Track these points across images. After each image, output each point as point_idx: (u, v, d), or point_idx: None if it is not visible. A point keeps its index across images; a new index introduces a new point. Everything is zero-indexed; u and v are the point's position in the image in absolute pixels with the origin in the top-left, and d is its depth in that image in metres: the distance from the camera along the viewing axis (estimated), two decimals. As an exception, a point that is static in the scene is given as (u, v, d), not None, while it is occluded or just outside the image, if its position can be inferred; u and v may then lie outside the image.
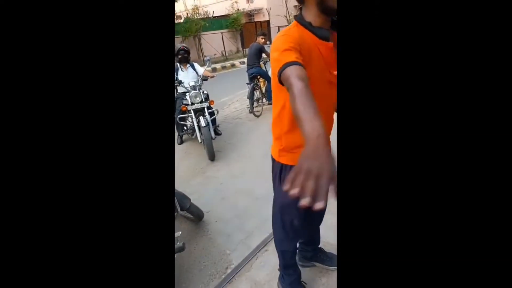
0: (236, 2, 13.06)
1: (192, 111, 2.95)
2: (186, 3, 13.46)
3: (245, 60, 5.48)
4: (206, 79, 3.33)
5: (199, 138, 2.95)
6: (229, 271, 1.49)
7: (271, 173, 1.06)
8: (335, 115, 1.02)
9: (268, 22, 14.31)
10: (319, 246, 1.44)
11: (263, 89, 4.34)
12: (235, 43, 13.35)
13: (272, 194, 1.11)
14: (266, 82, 4.33)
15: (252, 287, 1.38)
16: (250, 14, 15.11)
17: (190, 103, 2.95)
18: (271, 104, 4.41)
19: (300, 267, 1.32)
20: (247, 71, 4.16)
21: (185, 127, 3.27)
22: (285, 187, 0.40)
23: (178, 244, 1.33)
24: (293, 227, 1.07)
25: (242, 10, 13.53)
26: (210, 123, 2.94)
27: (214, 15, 13.00)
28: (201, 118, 2.85)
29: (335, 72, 0.86)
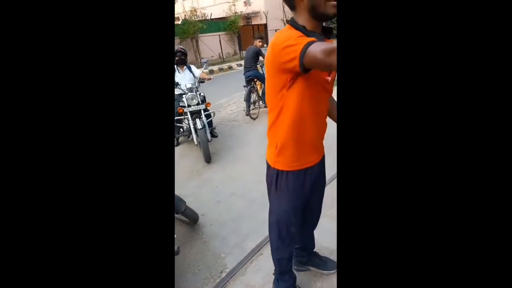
0: (234, 5, 13.10)
1: (188, 113, 2.94)
2: (184, 5, 13.48)
3: (242, 62, 5.50)
4: (203, 81, 3.33)
5: (195, 140, 2.94)
6: (223, 275, 1.48)
7: (266, 180, 1.04)
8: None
9: (265, 25, 14.37)
10: (314, 250, 1.43)
11: (260, 92, 4.35)
12: (232, 46, 13.37)
13: (267, 198, 1.09)
14: (262, 85, 4.33)
15: (247, 291, 1.37)
16: (247, 17, 15.16)
17: (186, 105, 2.94)
18: (267, 107, 4.42)
19: (295, 271, 1.32)
20: (244, 74, 4.16)
21: (181, 129, 3.26)
22: None
23: (172, 247, 1.32)
24: (290, 234, 1.06)
25: (239, 13, 13.57)
26: (207, 125, 2.94)
27: (212, 18, 13.03)
28: (197, 120, 2.84)
29: (328, 78, 0.86)
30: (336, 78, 0.72)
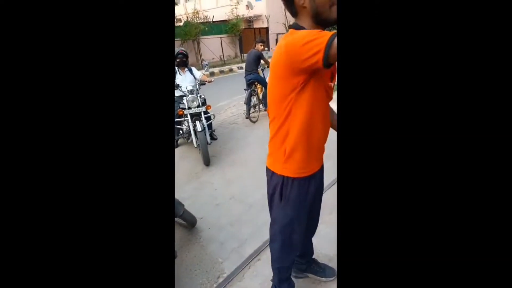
0: (236, 8, 13.16)
1: (188, 115, 2.94)
2: (186, 7, 13.52)
3: (243, 65, 5.50)
4: (204, 84, 3.33)
5: (194, 142, 2.93)
6: (220, 280, 1.46)
7: (267, 190, 1.01)
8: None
9: (267, 28, 14.44)
10: (313, 257, 1.42)
11: (260, 95, 4.35)
12: (233, 48, 13.41)
13: (266, 202, 1.07)
14: (263, 88, 4.34)
15: (244, 297, 1.36)
16: (249, 20, 15.24)
17: (187, 107, 2.93)
18: (267, 110, 4.42)
19: (293, 278, 1.31)
20: (245, 77, 4.16)
21: (180, 131, 3.25)
22: None
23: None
24: (294, 243, 1.05)
25: (241, 16, 13.64)
26: (206, 128, 2.93)
27: (214, 20, 13.08)
28: (197, 122, 2.84)
29: (331, 84, 0.86)
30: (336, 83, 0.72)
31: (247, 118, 4.07)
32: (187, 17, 11.73)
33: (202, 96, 3.14)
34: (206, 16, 12.52)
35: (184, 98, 2.98)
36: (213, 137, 3.27)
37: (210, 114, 3.18)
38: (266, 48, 4.31)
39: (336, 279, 1.37)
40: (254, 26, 15.05)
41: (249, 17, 14.95)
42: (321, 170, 1.02)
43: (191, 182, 2.55)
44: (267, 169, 0.98)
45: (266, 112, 4.42)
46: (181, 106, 3.04)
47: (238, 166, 2.80)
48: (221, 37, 12.40)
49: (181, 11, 13.72)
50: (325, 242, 1.59)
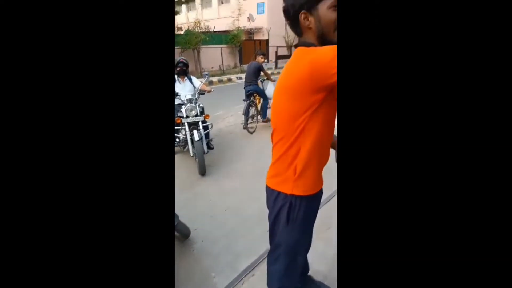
0: (238, 19, 13.39)
1: (186, 124, 2.92)
2: (188, 16, 13.72)
3: (242, 75, 5.55)
4: (203, 93, 3.33)
5: (191, 151, 2.91)
6: (213, 295, 1.42)
7: (270, 213, 0.95)
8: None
9: (267, 41, 14.68)
10: (308, 274, 1.39)
11: (259, 106, 4.37)
12: (233, 59, 13.57)
13: (263, 214, 1.03)
14: (261, 99, 4.37)
15: (236, 315, 1.32)
16: (250, 32, 15.49)
17: (185, 115, 2.92)
18: (265, 121, 4.44)
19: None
20: (244, 88, 4.19)
21: (177, 139, 3.23)
22: None
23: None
24: (298, 263, 1.01)
25: (242, 28, 13.86)
26: (204, 137, 2.91)
27: (215, 30, 13.27)
28: (194, 131, 2.82)
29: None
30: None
31: (244, 128, 4.07)
32: (188, 26, 11.88)
33: (201, 105, 3.14)
34: (208, 26, 12.70)
35: (183, 106, 2.97)
36: (209, 147, 3.25)
37: (208, 123, 3.17)
38: (266, 60, 4.36)
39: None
40: (255, 38, 15.29)
41: (250, 29, 15.20)
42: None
43: (185, 192, 2.52)
44: (270, 191, 0.93)
45: (263, 123, 4.43)
46: (179, 115, 3.03)
47: (234, 177, 2.78)
48: (221, 47, 12.55)
49: (183, 20, 13.92)
50: (320, 260, 1.56)
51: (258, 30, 15.38)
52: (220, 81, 10.13)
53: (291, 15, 0.80)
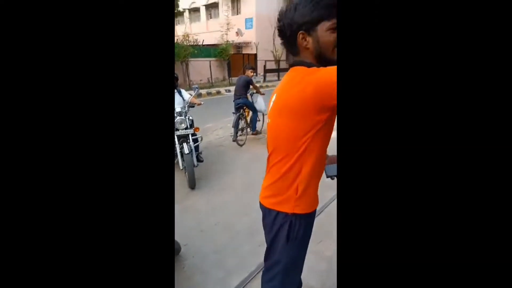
0: (226, 34, 13.62)
1: (176, 137, 2.90)
2: (177, 30, 13.83)
3: (231, 88, 5.60)
4: (193, 106, 3.33)
5: (180, 164, 2.87)
6: (204, 314, 1.38)
7: (268, 233, 0.93)
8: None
9: (255, 55, 14.96)
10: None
11: (248, 119, 4.41)
12: (222, 72, 13.69)
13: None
14: (250, 112, 4.41)
15: (229, 334, 1.28)
16: (238, 46, 15.76)
17: (174, 128, 2.91)
18: (254, 134, 4.47)
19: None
20: (234, 101, 4.22)
21: (166, 152, 3.18)
22: None
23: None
24: (296, 281, 1.00)
25: (231, 42, 14.09)
26: (193, 150, 2.90)
27: (203, 44, 13.42)
28: (184, 144, 2.80)
29: None
30: None
31: (234, 141, 4.08)
32: (177, 40, 11.97)
33: (190, 118, 3.14)
34: (196, 40, 12.84)
35: (173, 119, 2.96)
36: (199, 159, 3.23)
37: (198, 136, 3.16)
38: (254, 74, 4.44)
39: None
40: (243, 52, 15.54)
41: (239, 43, 15.48)
42: None
43: (175, 206, 2.47)
44: (268, 210, 0.91)
45: (253, 136, 4.46)
46: (168, 127, 3.00)
47: (223, 190, 2.75)
48: (210, 60, 12.67)
49: (172, 33, 13.98)
50: (313, 274, 1.56)
51: (247, 44, 15.68)
52: (208, 94, 10.16)
53: (288, 35, 0.80)
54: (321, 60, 0.79)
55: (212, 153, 3.83)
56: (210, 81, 12.57)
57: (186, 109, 3.09)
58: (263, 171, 0.95)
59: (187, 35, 11.89)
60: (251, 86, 4.24)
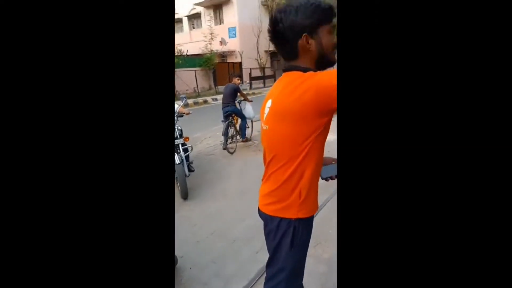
0: (210, 43, 13.69)
1: (166, 148, 2.87)
2: (160, 41, 13.73)
3: (217, 97, 5.59)
4: (182, 116, 3.31)
5: (172, 175, 2.83)
6: (206, 326, 1.35)
7: (271, 240, 0.91)
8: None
9: (240, 63, 15.08)
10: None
11: (237, 127, 4.42)
12: (208, 81, 13.70)
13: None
14: (239, 119, 4.43)
15: None
16: (223, 55, 15.85)
17: (164, 139, 2.87)
18: (244, 141, 4.47)
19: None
20: (222, 109, 4.23)
21: (156, 164, 3.14)
22: None
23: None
24: (298, 286, 1.00)
25: (215, 51, 14.16)
26: (184, 160, 2.87)
27: (188, 54, 13.42)
28: (175, 154, 2.77)
29: None
30: None
31: (224, 149, 4.07)
32: (161, 50, 11.89)
33: (179, 128, 3.11)
34: (180, 50, 12.82)
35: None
36: (190, 169, 3.20)
37: (188, 146, 3.14)
38: (241, 82, 4.48)
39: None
40: (228, 61, 15.64)
41: (223, 52, 15.57)
42: None
43: (168, 217, 2.42)
44: (270, 218, 0.89)
45: (243, 143, 4.46)
46: (158, 138, 2.96)
47: (217, 199, 2.73)
48: (195, 70, 12.67)
49: (155, 45, 13.90)
50: (312, 277, 1.56)
51: (231, 53, 15.79)
52: (195, 103, 10.13)
53: (290, 38, 0.79)
54: (321, 63, 0.81)
55: (203, 163, 3.80)
56: (197, 91, 12.55)
57: (175, 119, 3.06)
58: (255, 178, 0.95)
59: (171, 46, 11.84)
60: (238, 94, 4.27)
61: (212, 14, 16.14)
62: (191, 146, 3.22)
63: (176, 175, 2.75)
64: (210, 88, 13.58)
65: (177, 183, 2.78)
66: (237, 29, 15.36)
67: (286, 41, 0.80)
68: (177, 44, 13.41)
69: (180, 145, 2.90)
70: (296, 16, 0.78)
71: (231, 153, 4.05)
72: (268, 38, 0.87)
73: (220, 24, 15.97)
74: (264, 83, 16.01)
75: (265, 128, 0.88)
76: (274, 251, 0.91)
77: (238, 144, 4.33)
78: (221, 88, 11.18)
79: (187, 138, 3.07)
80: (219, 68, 13.93)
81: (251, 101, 4.47)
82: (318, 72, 0.75)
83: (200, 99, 10.72)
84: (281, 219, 0.86)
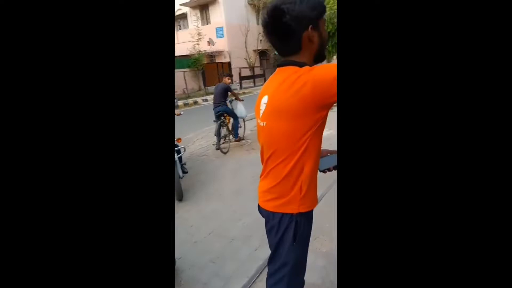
0: (198, 44, 13.59)
1: (158, 150, 2.83)
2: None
3: (207, 97, 5.56)
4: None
5: (165, 177, 2.80)
6: (208, 326, 1.34)
7: (272, 236, 0.91)
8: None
9: (229, 63, 15.03)
10: (303, 287, 1.38)
11: (230, 126, 4.40)
12: (197, 82, 13.61)
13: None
14: (231, 119, 4.41)
15: None
16: (211, 55, 15.76)
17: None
18: (237, 141, 4.46)
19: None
20: (213, 109, 4.21)
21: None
22: None
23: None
24: (300, 281, 0.99)
25: (203, 52, 14.07)
26: (178, 162, 2.84)
27: (175, 55, 13.29)
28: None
29: None
30: None
31: (217, 149, 4.05)
32: (149, 52, 11.76)
33: (172, 129, 3.09)
34: (168, 51, 12.66)
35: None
36: (184, 170, 3.17)
37: (180, 147, 3.11)
38: (231, 81, 4.47)
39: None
40: (217, 61, 15.56)
41: (211, 52, 15.49)
42: None
43: (164, 220, 2.40)
44: (271, 214, 0.89)
45: (236, 143, 4.45)
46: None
47: (212, 199, 2.72)
48: (183, 71, 12.56)
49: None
50: (312, 271, 1.57)
51: (219, 53, 15.72)
52: (186, 105, 10.05)
53: (297, 30, 0.77)
54: (319, 54, 0.82)
55: (196, 163, 3.78)
56: (186, 92, 12.45)
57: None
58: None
59: (158, 48, 11.72)
60: (229, 93, 4.25)
61: (198, 15, 16.04)
62: (184, 147, 3.19)
63: (170, 176, 2.72)
64: (199, 89, 13.49)
65: (171, 185, 2.76)
66: (224, 29, 15.30)
67: (292, 33, 0.78)
68: (165, 46, 13.24)
69: (172, 147, 2.87)
70: (303, 7, 0.76)
71: (225, 153, 4.04)
72: (260, 34, 0.89)
73: (207, 24, 15.87)
74: (254, 82, 16.00)
75: (262, 124, 0.87)
76: (276, 247, 0.91)
77: (231, 144, 4.32)
78: (210, 88, 11.13)
79: (179, 139, 3.04)
80: (208, 68, 13.86)
81: (242, 100, 4.46)
82: (314, 66, 0.75)
83: (190, 100, 10.65)
84: (283, 214, 0.86)
